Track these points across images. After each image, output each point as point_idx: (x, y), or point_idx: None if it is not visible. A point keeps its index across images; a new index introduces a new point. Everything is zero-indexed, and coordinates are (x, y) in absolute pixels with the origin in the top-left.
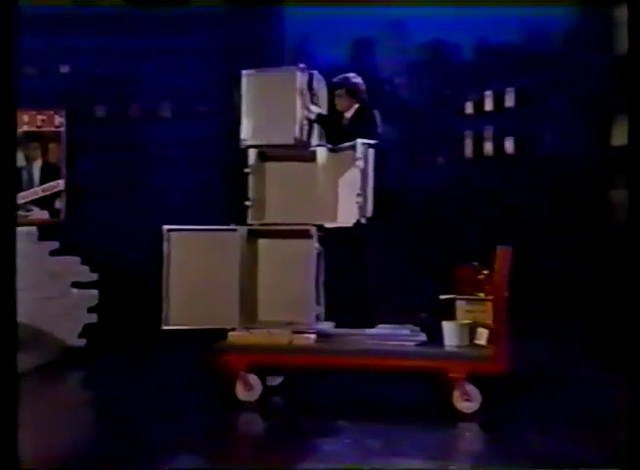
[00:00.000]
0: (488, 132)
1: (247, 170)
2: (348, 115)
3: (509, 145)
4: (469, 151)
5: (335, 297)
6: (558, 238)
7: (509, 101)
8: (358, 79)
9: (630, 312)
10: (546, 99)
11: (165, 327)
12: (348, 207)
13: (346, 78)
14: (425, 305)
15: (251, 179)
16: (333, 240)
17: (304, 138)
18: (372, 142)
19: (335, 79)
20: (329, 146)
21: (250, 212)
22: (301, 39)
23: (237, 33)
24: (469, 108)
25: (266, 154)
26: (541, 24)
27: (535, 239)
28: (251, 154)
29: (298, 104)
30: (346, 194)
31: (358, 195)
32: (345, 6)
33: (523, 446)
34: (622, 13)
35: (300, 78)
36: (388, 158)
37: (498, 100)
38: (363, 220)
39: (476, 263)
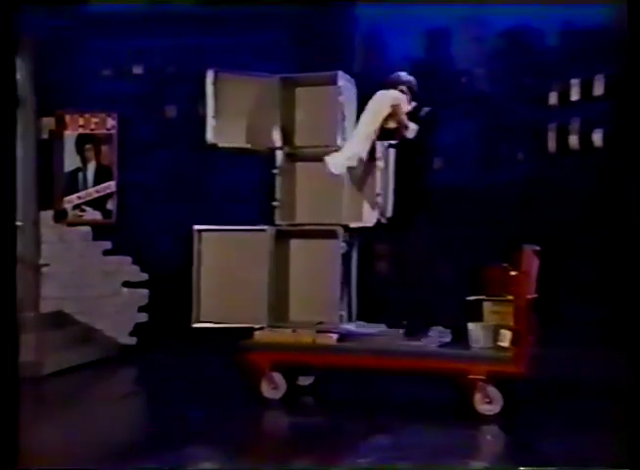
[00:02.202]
0: (575, 124)
1: (274, 171)
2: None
3: (597, 138)
4: (552, 145)
5: (371, 296)
6: None
7: (598, 89)
8: (412, 77)
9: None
10: None
11: (195, 325)
12: (371, 206)
13: (404, 76)
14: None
15: (278, 180)
16: (368, 239)
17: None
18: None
19: (393, 78)
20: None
21: (277, 213)
22: (375, 31)
23: (308, 28)
24: (553, 98)
25: (294, 154)
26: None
27: (625, 241)
28: (279, 154)
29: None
30: (370, 194)
31: (378, 195)
32: None
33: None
34: None
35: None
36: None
37: (586, 89)
38: (383, 220)
39: (505, 264)
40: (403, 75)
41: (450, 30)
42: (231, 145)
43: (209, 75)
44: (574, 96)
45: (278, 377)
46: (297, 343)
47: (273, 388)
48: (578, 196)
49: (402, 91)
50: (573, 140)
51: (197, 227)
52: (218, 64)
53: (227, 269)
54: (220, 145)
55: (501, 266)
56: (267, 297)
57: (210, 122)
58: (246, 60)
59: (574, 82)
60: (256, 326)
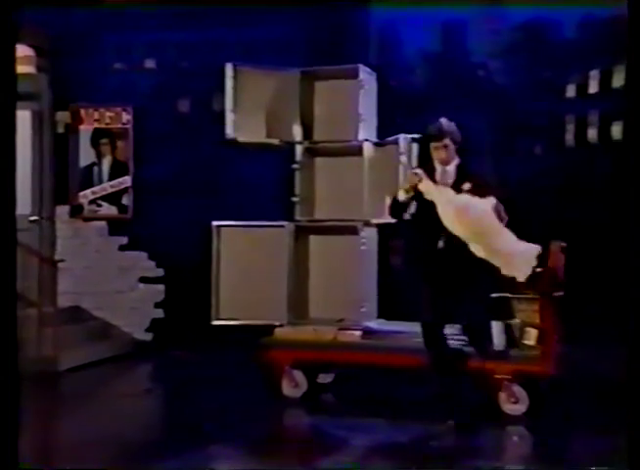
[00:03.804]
0: (593, 117)
1: (294, 166)
2: (449, 168)
3: (616, 130)
4: (570, 138)
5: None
6: None
7: (617, 81)
8: (453, 125)
9: None
10: None
11: (215, 322)
12: None
13: (450, 126)
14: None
15: (297, 175)
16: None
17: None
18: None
19: (437, 127)
20: (374, 140)
21: (297, 208)
22: (390, 22)
23: (322, 20)
24: (571, 90)
25: (314, 149)
26: None
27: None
28: (298, 149)
29: None
30: (392, 189)
31: None
32: None
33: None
34: None
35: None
36: None
37: (605, 80)
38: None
39: None
40: (446, 125)
41: (468, 23)
42: (250, 140)
43: (228, 69)
44: (593, 88)
45: (299, 375)
46: (318, 340)
47: (294, 386)
48: (597, 189)
49: (446, 146)
50: (592, 133)
51: (215, 223)
52: (234, 58)
53: (246, 266)
54: (240, 140)
55: None
56: (287, 294)
57: (229, 117)
58: (259, 55)
59: (594, 74)
60: (276, 323)
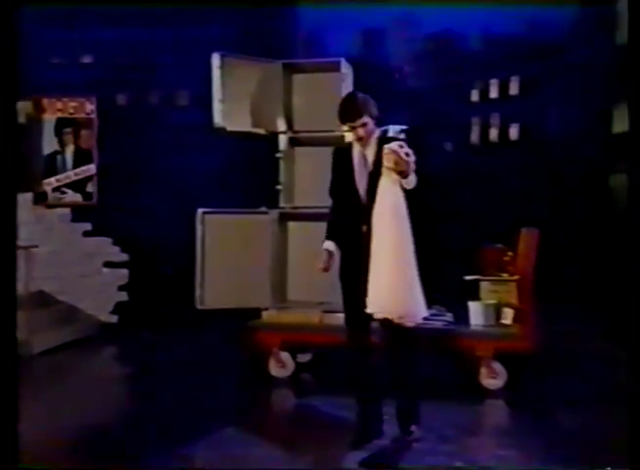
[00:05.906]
0: (494, 119)
1: (278, 155)
2: (369, 153)
3: (514, 131)
4: (475, 137)
5: None
6: (560, 222)
7: (513, 89)
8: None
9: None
10: (550, 87)
11: (200, 307)
12: None
13: (365, 98)
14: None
15: (281, 164)
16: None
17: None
18: (403, 127)
19: (351, 102)
20: None
21: (281, 196)
22: (313, 31)
23: (251, 26)
24: (475, 95)
25: (297, 139)
26: (544, 14)
27: (537, 224)
28: (282, 139)
29: None
30: None
31: None
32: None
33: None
34: (624, 3)
35: None
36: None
37: (503, 88)
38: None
39: (500, 245)
40: (361, 98)
41: (386, 32)
42: (236, 129)
43: (215, 59)
44: (493, 94)
45: (285, 356)
46: (304, 323)
47: (281, 366)
48: (497, 182)
49: (365, 124)
50: (493, 133)
51: (201, 210)
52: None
53: (230, 252)
54: (228, 129)
55: (497, 247)
56: (270, 278)
57: (217, 106)
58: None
59: (493, 82)
60: (260, 307)
